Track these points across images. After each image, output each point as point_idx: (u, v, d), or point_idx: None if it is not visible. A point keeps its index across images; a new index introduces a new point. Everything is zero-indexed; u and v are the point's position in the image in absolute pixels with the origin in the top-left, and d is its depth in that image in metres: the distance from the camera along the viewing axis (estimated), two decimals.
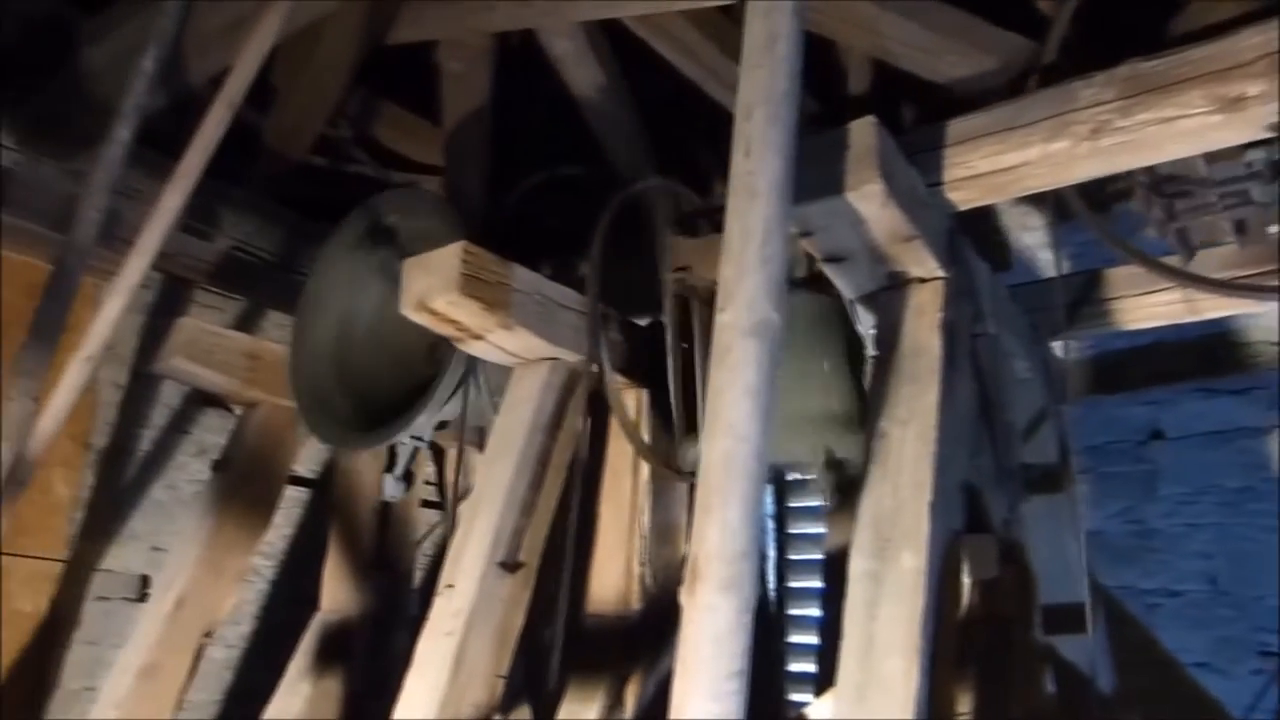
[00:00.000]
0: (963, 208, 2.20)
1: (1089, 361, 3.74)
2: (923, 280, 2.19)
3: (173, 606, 2.82)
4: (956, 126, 2.16)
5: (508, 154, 3.90)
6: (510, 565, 2.43)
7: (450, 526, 2.92)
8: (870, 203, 1.96)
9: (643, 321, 3.01)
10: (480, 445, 3.29)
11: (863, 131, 1.96)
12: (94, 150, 3.03)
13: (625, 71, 3.51)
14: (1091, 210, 2.47)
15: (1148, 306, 2.79)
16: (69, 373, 2.47)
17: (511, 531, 2.45)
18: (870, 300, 2.28)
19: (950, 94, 3.23)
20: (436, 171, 3.95)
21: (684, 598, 1.71)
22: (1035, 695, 2.25)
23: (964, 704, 2.08)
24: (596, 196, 3.80)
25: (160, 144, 3.14)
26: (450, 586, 2.40)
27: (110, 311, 2.47)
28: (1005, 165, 2.08)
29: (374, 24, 3.25)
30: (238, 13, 2.97)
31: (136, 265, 2.49)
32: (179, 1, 2.90)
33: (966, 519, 2.16)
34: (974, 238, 2.46)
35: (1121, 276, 2.84)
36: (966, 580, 2.19)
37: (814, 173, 1.96)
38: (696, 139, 3.73)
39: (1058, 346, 3.18)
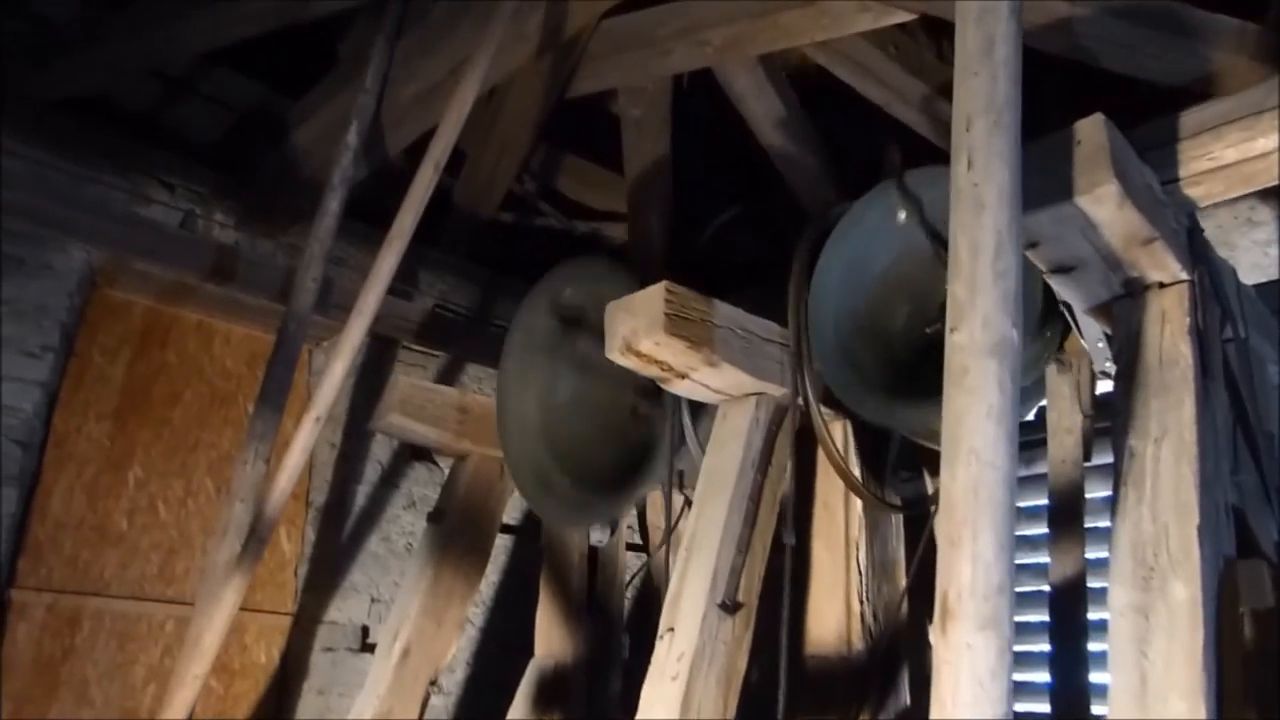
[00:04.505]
0: (1205, 203, 2.03)
1: None
2: (1164, 285, 2.02)
3: (399, 656, 2.90)
4: (1192, 117, 2.00)
5: (688, 194, 3.92)
6: (730, 606, 2.38)
7: (665, 568, 2.91)
8: (1104, 205, 1.83)
9: None
10: (679, 485, 3.28)
11: (1091, 130, 1.84)
12: (305, 224, 3.24)
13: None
14: None
15: None
16: (300, 433, 2.61)
17: (729, 571, 2.40)
18: (1103, 310, 2.13)
19: (1151, 89, 3.04)
20: (619, 218, 4.01)
21: (934, 637, 1.61)
22: None
23: None
24: (778, 229, 3.79)
25: (358, 214, 3.33)
26: (671, 630, 2.36)
27: (336, 373, 2.60)
28: (1257, 152, 1.91)
29: (555, 80, 3.35)
30: (429, 81, 3.12)
31: (358, 327, 2.61)
32: (378, 76, 3.07)
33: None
34: None
35: None
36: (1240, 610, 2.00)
37: (1037, 179, 1.85)
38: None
39: None
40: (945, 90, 3.16)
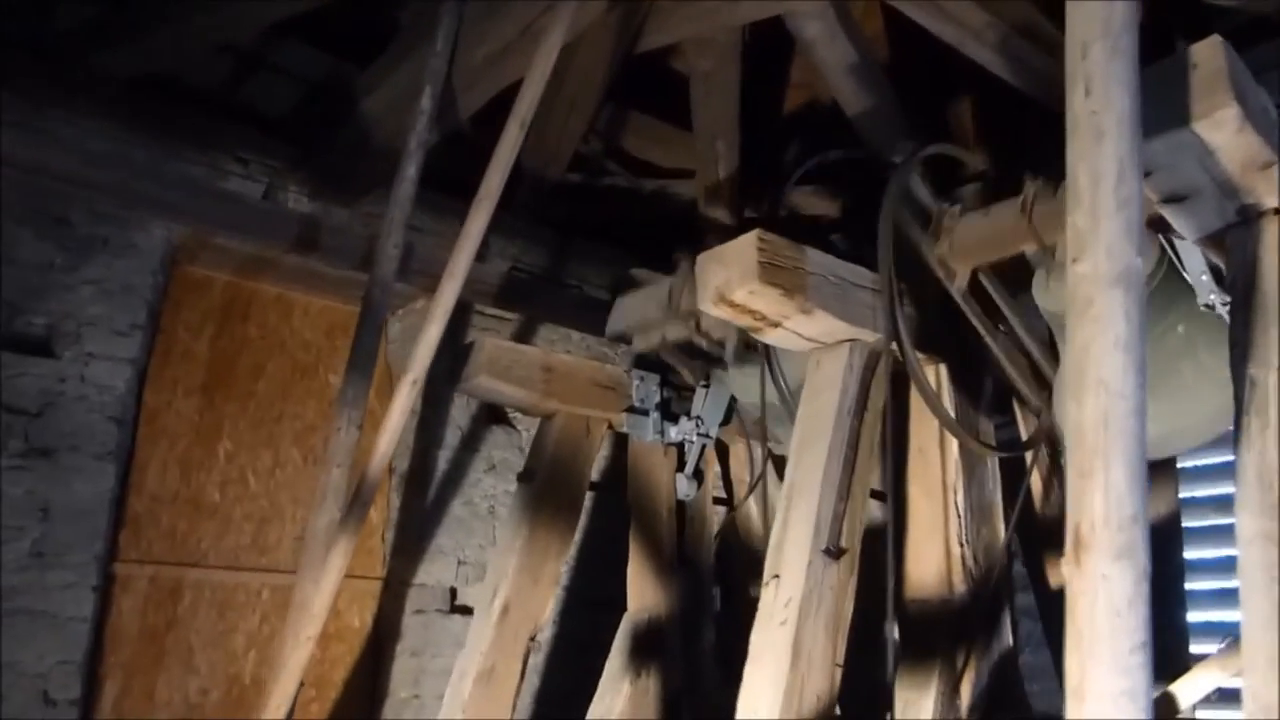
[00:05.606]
0: None
1: None
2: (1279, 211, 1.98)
3: (500, 613, 2.96)
4: None
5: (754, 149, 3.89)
6: (834, 552, 2.39)
7: (756, 519, 2.90)
8: (1222, 130, 1.79)
9: None
10: (760, 437, 3.29)
11: (1208, 53, 1.80)
12: (379, 192, 3.25)
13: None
14: None
15: None
16: (398, 397, 2.64)
17: (831, 517, 2.41)
18: (1214, 240, 2.09)
19: (1237, 17, 2.96)
20: (686, 175, 3.99)
21: (1067, 569, 1.61)
22: None
23: None
24: (848, 182, 3.76)
25: (424, 180, 3.32)
26: (776, 577, 2.38)
27: (431, 336, 2.62)
28: None
29: (623, 36, 3.31)
30: (500, 42, 3.09)
31: (449, 289, 2.63)
32: (448, 39, 3.06)
33: None
34: None
35: None
36: None
37: (1150, 106, 1.81)
38: (951, 104, 3.59)
39: None
40: (1022, 28, 3.10)
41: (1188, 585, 3.11)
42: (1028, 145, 3.10)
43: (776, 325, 2.50)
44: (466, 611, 3.70)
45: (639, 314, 3.22)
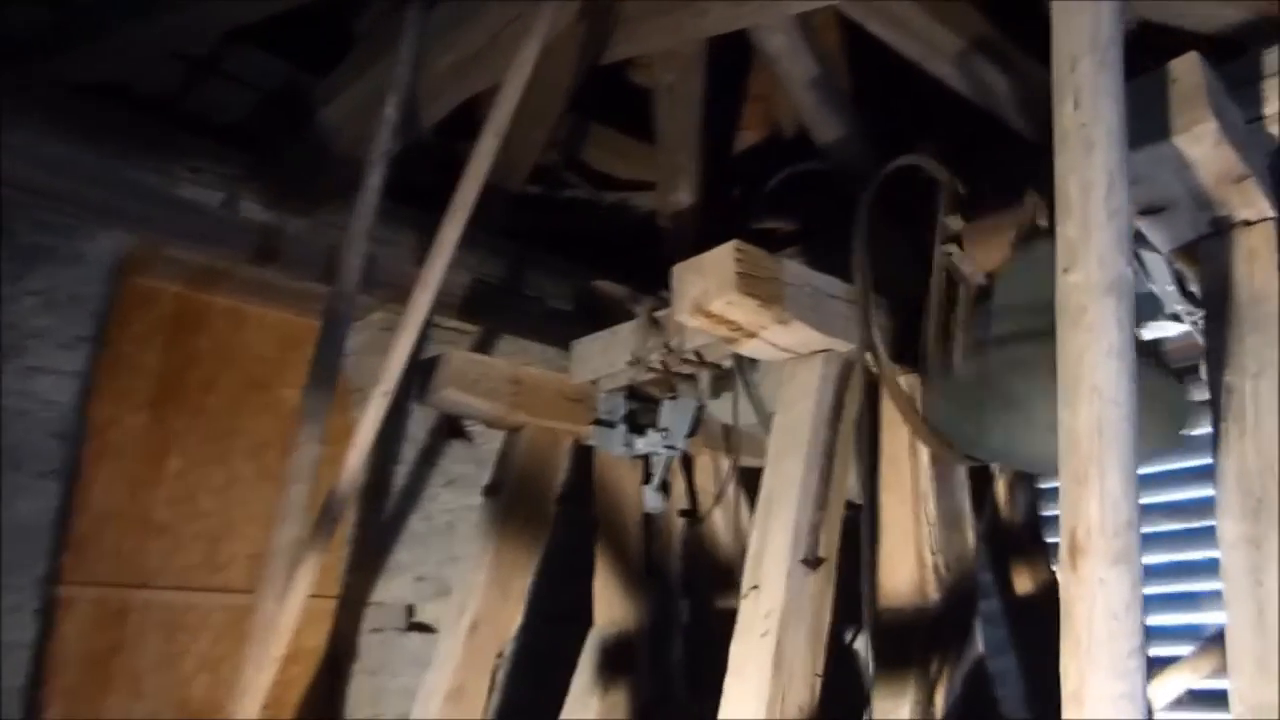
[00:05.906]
0: None
1: None
2: (1250, 223, 2.04)
3: (468, 630, 2.90)
4: (1275, 55, 2.01)
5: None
6: (812, 562, 2.39)
7: (726, 532, 2.87)
8: (1201, 144, 1.85)
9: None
10: (726, 447, 3.29)
11: (1187, 68, 1.85)
12: (338, 202, 3.19)
13: None
14: None
15: None
16: (371, 408, 2.58)
17: (809, 528, 2.41)
18: (1186, 251, 2.15)
19: (1197, 39, 3.05)
20: (645, 187, 3.98)
21: (1063, 574, 1.63)
22: None
23: None
24: (812, 191, 3.79)
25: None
26: (755, 588, 2.37)
27: (403, 347, 2.57)
28: None
29: (589, 46, 3.30)
30: (467, 50, 3.06)
31: (422, 301, 2.58)
32: (413, 47, 3.02)
33: None
34: None
35: None
36: None
37: (1131, 119, 1.86)
38: (912, 120, 3.64)
39: None
40: (979, 43, 3.16)
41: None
42: (988, 161, 3.16)
43: (753, 336, 2.50)
44: (424, 629, 3.63)
45: (605, 364, 3.16)
